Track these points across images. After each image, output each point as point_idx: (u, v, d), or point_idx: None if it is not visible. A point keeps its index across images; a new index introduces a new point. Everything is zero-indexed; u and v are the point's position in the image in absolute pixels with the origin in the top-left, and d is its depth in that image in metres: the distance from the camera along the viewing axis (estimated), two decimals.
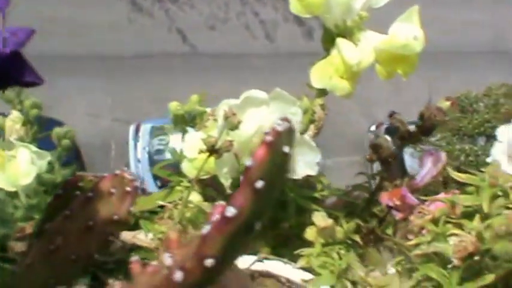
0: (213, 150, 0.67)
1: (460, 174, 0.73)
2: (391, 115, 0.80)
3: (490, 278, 0.67)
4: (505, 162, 0.91)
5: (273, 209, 0.83)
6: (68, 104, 2.07)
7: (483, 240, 0.67)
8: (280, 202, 0.82)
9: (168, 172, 0.81)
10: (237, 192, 0.30)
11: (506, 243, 0.66)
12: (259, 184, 0.30)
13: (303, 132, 0.78)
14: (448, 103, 0.78)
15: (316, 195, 0.82)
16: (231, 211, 0.30)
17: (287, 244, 0.81)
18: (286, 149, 0.31)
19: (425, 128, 0.79)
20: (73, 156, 1.44)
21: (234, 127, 0.66)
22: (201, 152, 0.68)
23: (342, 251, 0.72)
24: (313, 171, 0.74)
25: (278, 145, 0.30)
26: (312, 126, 0.78)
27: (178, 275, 0.32)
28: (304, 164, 0.74)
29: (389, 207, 0.80)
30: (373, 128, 6.92)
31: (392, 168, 0.86)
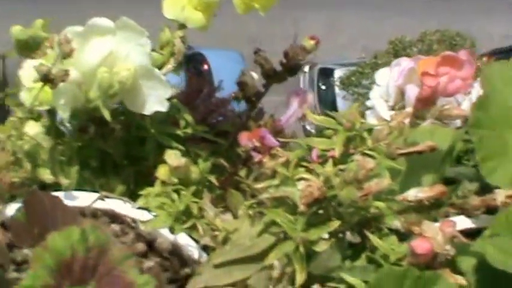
0: (46, 79, 0.62)
1: (316, 116, 0.70)
2: (256, 52, 0.76)
3: (335, 224, 0.64)
4: (382, 106, 0.89)
5: (131, 145, 0.80)
6: None
7: (331, 186, 0.65)
8: (139, 138, 0.78)
9: (15, 101, 0.76)
10: None
11: (352, 189, 0.64)
12: None
13: (161, 66, 0.74)
14: (312, 42, 0.74)
15: (179, 132, 0.78)
16: None
17: (148, 183, 0.77)
18: None
19: (290, 66, 0.76)
20: None
21: (67, 55, 0.62)
22: (36, 81, 0.64)
23: (184, 192, 0.68)
24: (163, 107, 0.70)
25: None
26: (171, 60, 0.74)
27: None
28: (155, 99, 0.70)
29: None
30: (306, 68, 6.96)
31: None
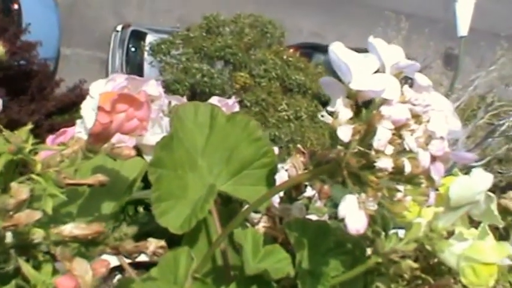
0: None
1: None
2: None
3: None
4: (92, 119, 0.86)
5: None
6: None
7: None
8: None
9: None
10: None
11: None
12: None
13: None
14: (3, 51, 0.69)
15: None
16: None
17: None
18: None
19: None
20: None
21: None
22: None
23: None
24: None
25: None
26: None
27: None
28: None
29: None
30: (119, 27, 6.86)
31: None
